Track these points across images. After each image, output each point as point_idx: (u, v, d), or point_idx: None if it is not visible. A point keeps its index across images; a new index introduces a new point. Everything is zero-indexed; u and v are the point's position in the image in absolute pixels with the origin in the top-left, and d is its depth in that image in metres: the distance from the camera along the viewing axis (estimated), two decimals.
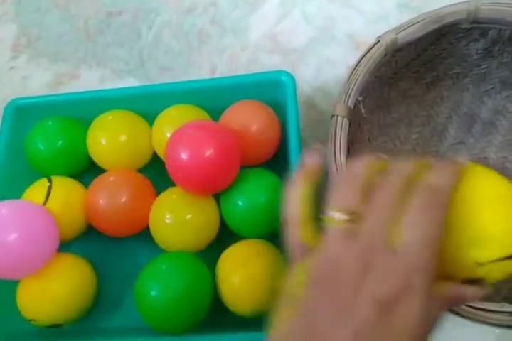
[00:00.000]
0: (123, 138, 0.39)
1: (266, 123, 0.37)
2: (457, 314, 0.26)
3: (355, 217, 0.20)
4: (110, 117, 0.40)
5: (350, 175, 0.22)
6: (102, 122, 0.40)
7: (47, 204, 0.36)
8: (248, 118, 0.37)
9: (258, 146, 0.37)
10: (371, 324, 0.18)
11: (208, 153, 0.32)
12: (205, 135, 0.33)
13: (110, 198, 0.36)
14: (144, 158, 0.41)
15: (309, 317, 0.19)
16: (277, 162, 0.38)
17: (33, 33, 0.53)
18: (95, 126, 0.40)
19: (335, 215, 0.21)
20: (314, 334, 0.19)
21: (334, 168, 0.29)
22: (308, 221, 0.23)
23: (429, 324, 0.19)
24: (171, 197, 0.36)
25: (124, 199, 0.36)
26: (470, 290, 0.21)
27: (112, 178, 0.38)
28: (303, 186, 0.23)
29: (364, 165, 0.22)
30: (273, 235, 0.36)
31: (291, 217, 0.23)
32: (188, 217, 0.34)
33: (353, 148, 0.39)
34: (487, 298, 0.31)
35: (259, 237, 0.35)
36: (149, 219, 0.36)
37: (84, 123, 0.42)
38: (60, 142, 0.40)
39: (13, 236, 0.32)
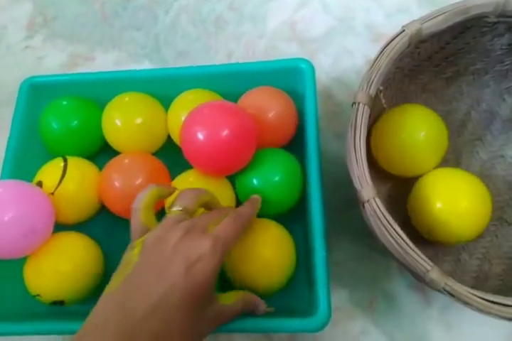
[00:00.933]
0: (138, 120, 0.39)
1: (283, 108, 0.37)
2: (470, 306, 0.26)
3: (186, 211, 0.30)
4: (126, 99, 0.40)
5: (196, 191, 0.32)
6: (118, 103, 0.40)
7: (62, 184, 0.36)
8: (265, 103, 0.37)
9: (274, 132, 0.37)
10: (180, 275, 0.26)
11: (225, 133, 0.32)
12: (222, 115, 0.33)
13: (125, 180, 0.36)
14: (159, 142, 0.41)
15: (136, 275, 0.27)
16: (293, 149, 0.38)
17: (49, 12, 0.53)
18: (111, 107, 0.40)
19: (173, 208, 0.30)
20: (138, 286, 0.26)
21: (353, 155, 0.29)
22: (151, 209, 0.31)
23: (215, 279, 0.27)
24: (187, 179, 0.36)
25: (138, 182, 0.36)
26: (261, 303, 0.31)
27: (126, 160, 0.37)
28: (153, 189, 0.31)
29: (207, 192, 0.32)
30: (288, 213, 0.37)
31: (138, 204, 0.30)
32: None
33: (379, 118, 0.39)
34: (497, 292, 0.31)
35: (274, 216, 0.36)
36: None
37: (99, 104, 0.41)
38: (75, 122, 0.40)
39: (8, 215, 0.32)
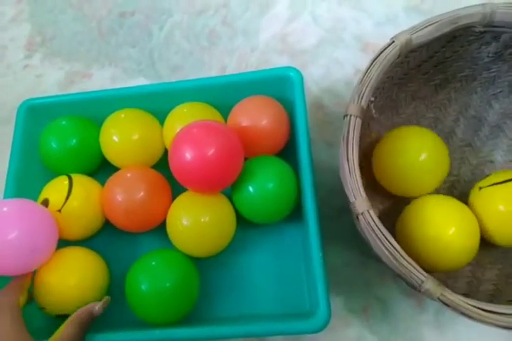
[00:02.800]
0: (135, 136, 0.40)
1: (275, 117, 0.38)
2: (466, 315, 0.26)
3: None
4: (122, 115, 0.41)
5: None
6: (114, 120, 0.41)
7: (68, 201, 0.37)
8: (257, 113, 0.38)
9: (267, 140, 0.38)
10: None
11: (211, 152, 0.33)
12: (207, 135, 0.34)
13: (127, 194, 0.37)
14: (156, 156, 0.42)
15: None
16: (285, 157, 0.39)
17: (47, 32, 0.54)
18: (108, 125, 0.41)
19: None
20: None
21: (347, 168, 0.29)
22: None
23: None
24: (186, 200, 0.37)
25: (141, 195, 0.37)
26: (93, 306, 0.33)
27: (128, 174, 0.38)
28: None
29: None
30: (287, 220, 0.38)
31: None
32: (205, 219, 0.35)
33: (361, 149, 0.40)
34: (491, 301, 0.31)
35: (272, 223, 0.37)
36: (167, 222, 0.37)
37: (97, 122, 0.42)
38: (74, 141, 0.41)
39: (12, 234, 0.33)
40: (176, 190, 0.39)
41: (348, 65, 0.47)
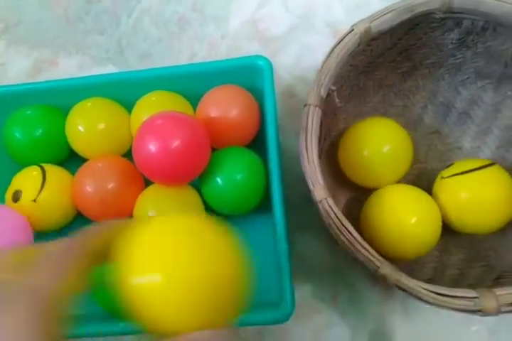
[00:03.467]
0: (101, 125, 0.39)
1: (244, 106, 0.38)
2: (423, 300, 0.27)
3: None
4: (88, 104, 0.40)
5: None
6: (80, 110, 0.40)
7: (42, 191, 0.37)
8: (227, 102, 0.37)
9: (237, 130, 0.38)
10: None
11: (175, 144, 0.32)
12: (172, 126, 0.33)
13: (99, 184, 0.36)
14: (124, 146, 0.41)
15: None
16: (256, 147, 0.39)
17: (11, 18, 0.52)
18: (73, 114, 0.40)
19: None
20: None
21: (305, 156, 0.29)
22: None
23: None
24: (153, 192, 0.37)
25: (113, 185, 0.36)
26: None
27: (99, 164, 0.38)
28: None
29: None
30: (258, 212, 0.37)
31: None
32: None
33: (329, 137, 0.40)
34: (454, 284, 0.32)
35: (241, 214, 0.37)
36: (133, 215, 0.37)
37: (64, 110, 0.41)
38: (40, 131, 0.40)
39: None
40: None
41: (320, 51, 0.46)
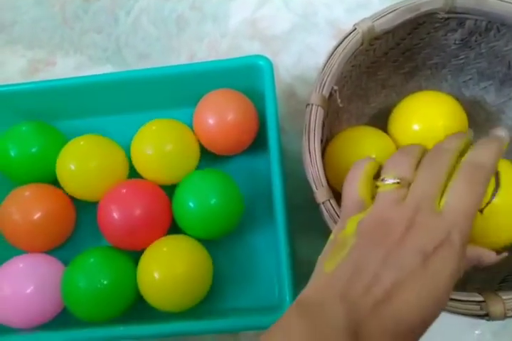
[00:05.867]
0: (93, 164, 0.37)
1: (240, 111, 0.37)
2: None
3: (404, 183, 0.23)
4: (81, 143, 0.38)
5: (404, 149, 0.25)
6: (73, 149, 0.38)
7: None
8: (222, 107, 0.37)
9: (234, 135, 0.37)
10: (412, 270, 0.20)
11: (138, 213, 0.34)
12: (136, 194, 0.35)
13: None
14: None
15: (358, 259, 0.21)
16: (256, 150, 0.38)
17: (7, 17, 0.52)
18: (65, 153, 0.38)
19: (387, 180, 0.23)
20: (361, 272, 0.21)
21: (308, 157, 0.29)
22: (369, 180, 0.25)
23: (457, 276, 0.22)
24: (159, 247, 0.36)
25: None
26: (486, 253, 0.24)
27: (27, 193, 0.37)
28: (371, 160, 0.26)
29: (416, 145, 0.26)
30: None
31: (354, 173, 0.25)
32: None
33: (331, 138, 0.39)
34: (460, 288, 0.31)
35: (208, 238, 0.36)
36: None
37: (62, 114, 0.41)
38: (34, 148, 0.38)
39: (29, 289, 0.34)
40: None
41: (321, 51, 0.46)
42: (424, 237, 0.21)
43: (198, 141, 0.39)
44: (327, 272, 0.22)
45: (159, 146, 0.36)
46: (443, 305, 0.22)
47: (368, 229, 0.22)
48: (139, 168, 0.38)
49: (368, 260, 0.21)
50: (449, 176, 0.23)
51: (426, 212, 0.22)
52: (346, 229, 0.23)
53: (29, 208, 0.36)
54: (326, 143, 0.37)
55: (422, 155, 0.25)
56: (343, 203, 0.25)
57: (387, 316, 0.20)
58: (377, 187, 0.24)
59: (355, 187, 0.25)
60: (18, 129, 0.39)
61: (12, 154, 0.38)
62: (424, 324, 0.21)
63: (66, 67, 0.48)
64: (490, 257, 0.24)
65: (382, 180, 0.24)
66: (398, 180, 0.23)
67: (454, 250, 0.21)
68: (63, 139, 0.40)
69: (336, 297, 0.20)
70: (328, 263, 0.22)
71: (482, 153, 0.24)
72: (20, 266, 0.35)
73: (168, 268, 0.33)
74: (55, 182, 0.39)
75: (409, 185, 0.23)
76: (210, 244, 0.36)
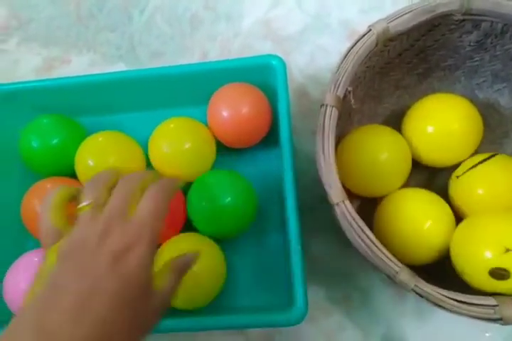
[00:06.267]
0: (112, 159, 0.37)
1: (254, 103, 0.37)
2: (441, 307, 0.26)
3: (98, 202, 0.26)
4: (100, 139, 0.38)
5: (97, 175, 0.28)
6: (91, 144, 0.38)
7: None
8: (236, 100, 0.37)
9: (247, 127, 0.38)
10: (107, 271, 0.23)
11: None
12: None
13: None
14: None
15: (52, 286, 0.23)
16: (267, 145, 0.39)
17: (24, 15, 0.52)
18: (84, 149, 0.38)
19: (82, 203, 0.26)
20: (56, 292, 0.22)
21: (322, 158, 0.29)
22: (62, 208, 0.27)
23: (150, 271, 0.24)
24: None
25: None
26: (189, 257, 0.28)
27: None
28: (61, 189, 0.28)
29: (108, 171, 0.29)
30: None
31: (44, 204, 0.27)
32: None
33: (343, 139, 0.39)
34: (475, 292, 0.31)
35: (222, 237, 0.37)
36: None
37: (75, 110, 0.42)
38: (56, 140, 0.39)
39: None
40: None
41: (334, 51, 0.46)
42: (116, 241, 0.24)
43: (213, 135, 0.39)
44: (23, 305, 0.23)
45: (177, 144, 0.37)
46: (141, 293, 0.24)
47: (67, 251, 0.24)
48: (156, 165, 0.38)
49: (62, 281, 0.23)
50: (138, 197, 0.26)
51: (117, 221, 0.25)
52: (47, 262, 0.25)
53: None
54: (336, 143, 0.37)
55: (115, 179, 0.28)
56: (40, 236, 0.27)
57: (85, 325, 0.22)
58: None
59: (47, 217, 0.26)
60: (39, 121, 0.40)
61: (34, 145, 0.39)
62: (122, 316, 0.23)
63: (80, 64, 0.49)
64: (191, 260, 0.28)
65: (80, 204, 0.26)
66: (91, 200, 0.26)
67: (143, 244, 0.24)
68: (83, 132, 0.41)
69: (28, 329, 0.21)
70: (27, 297, 0.24)
71: (166, 180, 0.28)
72: (35, 259, 0.35)
73: None
74: (74, 174, 0.39)
75: (103, 203, 0.26)
76: (223, 242, 0.36)
